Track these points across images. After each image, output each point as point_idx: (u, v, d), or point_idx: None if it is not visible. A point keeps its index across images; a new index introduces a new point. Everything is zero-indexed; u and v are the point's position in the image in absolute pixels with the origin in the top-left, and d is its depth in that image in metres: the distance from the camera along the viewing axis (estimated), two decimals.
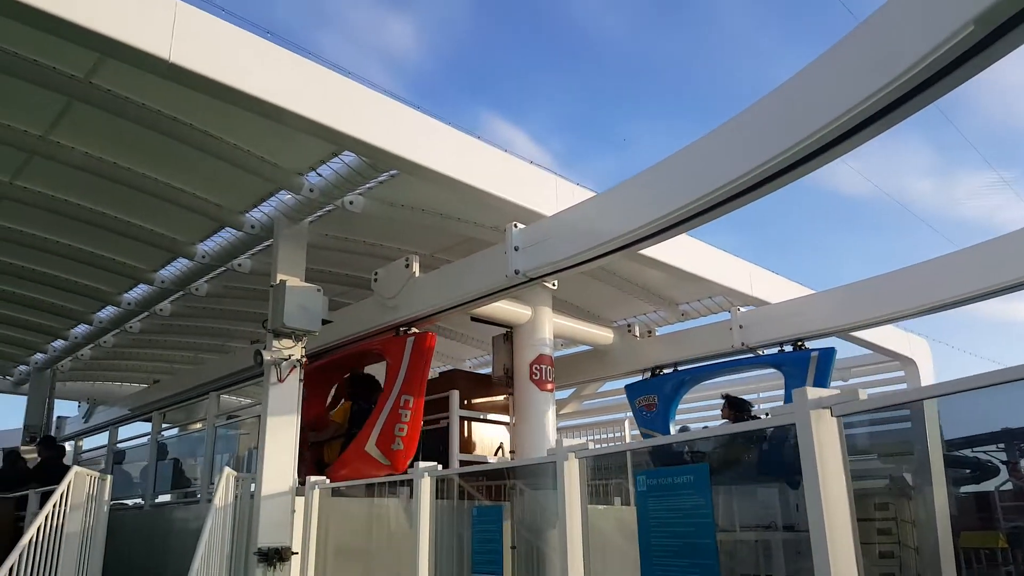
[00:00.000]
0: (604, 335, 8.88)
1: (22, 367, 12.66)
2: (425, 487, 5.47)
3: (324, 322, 6.85)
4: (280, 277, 6.71)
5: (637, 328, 9.06)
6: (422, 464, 5.52)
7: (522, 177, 6.44)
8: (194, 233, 7.66)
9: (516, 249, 6.01)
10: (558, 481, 4.17)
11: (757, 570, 6.00)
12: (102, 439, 10.62)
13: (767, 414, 6.94)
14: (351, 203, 6.64)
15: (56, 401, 12.86)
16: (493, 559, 4.71)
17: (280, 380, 6.57)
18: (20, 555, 5.01)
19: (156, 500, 8.71)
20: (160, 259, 8.28)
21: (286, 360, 6.60)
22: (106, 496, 6.61)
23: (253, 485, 6.37)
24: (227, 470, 6.12)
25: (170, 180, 6.66)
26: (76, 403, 13.86)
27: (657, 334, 9.19)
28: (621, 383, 9.91)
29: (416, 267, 7.04)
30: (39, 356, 11.99)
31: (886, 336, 9.20)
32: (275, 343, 6.60)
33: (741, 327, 8.02)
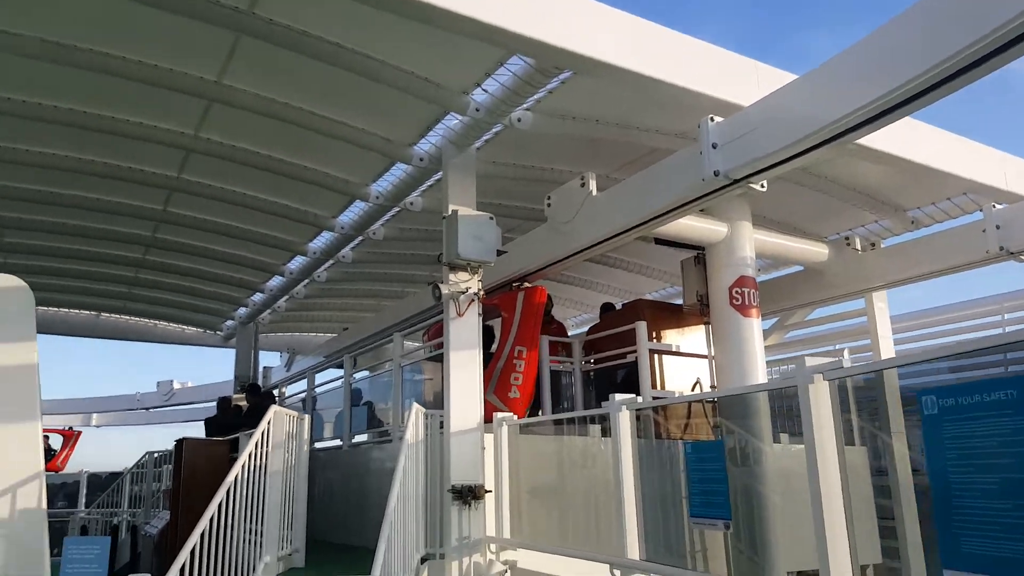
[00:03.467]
0: (817, 251, 7.64)
1: (229, 322, 13.79)
2: (624, 422, 4.90)
3: (499, 253, 6.46)
4: (452, 207, 6.36)
5: (858, 241, 7.72)
6: (618, 397, 4.95)
7: (716, 67, 5.48)
8: (367, 173, 7.55)
9: (714, 147, 5.13)
10: (802, 410, 3.40)
11: None
12: (303, 386, 11.22)
13: None
14: (519, 120, 6.09)
15: (261, 352, 13.97)
16: (717, 501, 4.05)
17: (460, 314, 6.28)
18: (228, 491, 5.12)
19: (353, 441, 8.98)
20: (338, 204, 8.32)
21: (464, 293, 6.29)
22: (305, 434, 6.77)
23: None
24: (416, 406, 5.96)
25: (338, 116, 6.50)
26: (278, 353, 14.98)
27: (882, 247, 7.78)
28: (834, 309, 8.67)
29: (593, 185, 6.37)
30: (242, 310, 12.95)
31: None
32: (451, 276, 6.31)
33: (998, 228, 6.47)
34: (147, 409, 19.74)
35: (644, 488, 4.82)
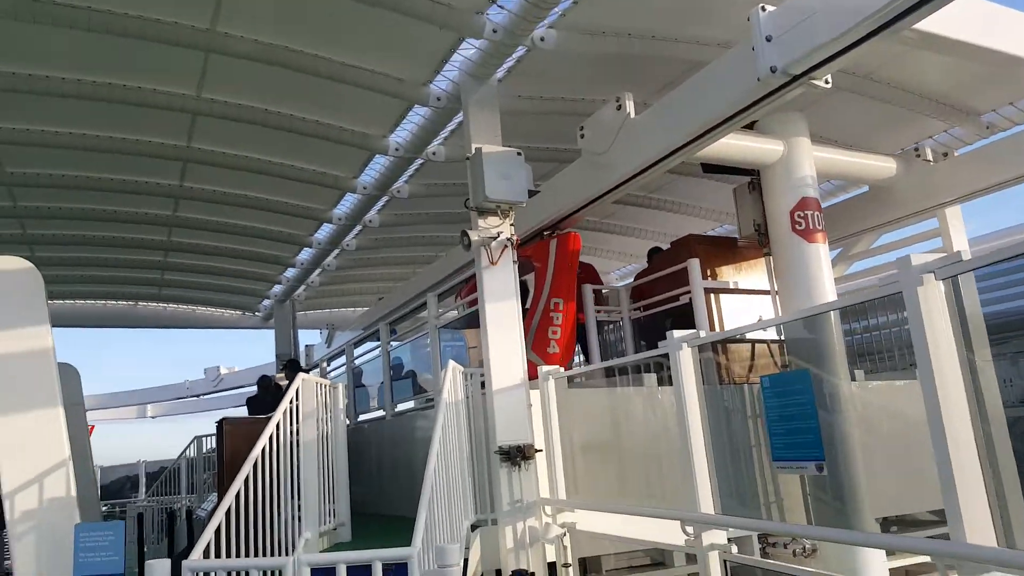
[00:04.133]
0: (884, 165, 6.84)
1: (265, 302, 13.56)
2: (686, 361, 4.34)
3: (531, 193, 5.91)
4: (475, 146, 5.81)
5: (928, 152, 6.90)
6: (677, 333, 4.39)
7: None
8: (383, 122, 7.03)
9: (768, 40, 4.44)
10: (911, 321, 2.80)
11: None
12: (344, 360, 10.91)
13: None
14: (542, 39, 5.49)
15: (301, 331, 13.75)
16: (807, 440, 3.47)
17: (493, 262, 5.76)
18: (255, 465, 4.77)
19: (396, 410, 8.63)
20: (357, 161, 7.83)
21: (495, 239, 5.76)
22: (341, 403, 6.39)
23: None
24: (452, 363, 5.49)
25: (344, 58, 5.98)
26: (318, 330, 14.74)
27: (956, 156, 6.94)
28: (902, 233, 7.86)
29: (630, 106, 5.71)
30: (277, 288, 12.68)
31: None
32: (481, 222, 5.79)
33: None
34: (198, 396, 19.88)
35: (710, 434, 4.30)
